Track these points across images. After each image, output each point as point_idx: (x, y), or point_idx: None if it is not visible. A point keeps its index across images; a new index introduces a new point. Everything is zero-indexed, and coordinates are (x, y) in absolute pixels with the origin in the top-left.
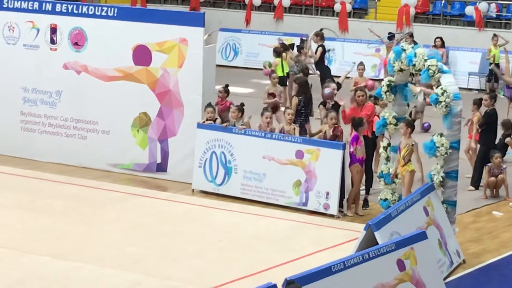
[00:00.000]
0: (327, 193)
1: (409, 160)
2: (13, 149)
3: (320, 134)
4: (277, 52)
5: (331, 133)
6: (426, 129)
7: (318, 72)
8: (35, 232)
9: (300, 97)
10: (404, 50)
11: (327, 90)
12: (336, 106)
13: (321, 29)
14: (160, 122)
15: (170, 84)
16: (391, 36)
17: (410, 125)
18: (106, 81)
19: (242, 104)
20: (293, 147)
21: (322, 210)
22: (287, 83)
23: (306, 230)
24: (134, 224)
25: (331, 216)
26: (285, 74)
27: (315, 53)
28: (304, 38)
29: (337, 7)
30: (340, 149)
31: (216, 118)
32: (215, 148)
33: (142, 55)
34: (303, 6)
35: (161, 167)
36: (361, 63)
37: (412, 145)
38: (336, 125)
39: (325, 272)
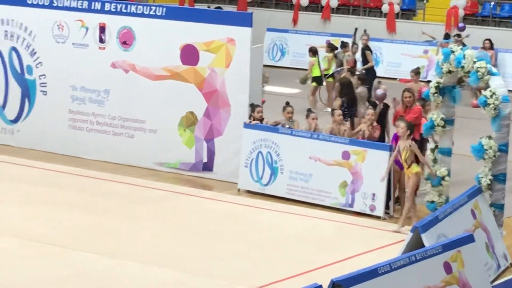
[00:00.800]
0: (373, 195)
1: (412, 162)
2: (61, 147)
3: (358, 133)
4: (313, 52)
5: (368, 132)
6: None
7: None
8: (82, 230)
9: (343, 98)
10: (453, 51)
11: (379, 91)
12: (386, 108)
13: (365, 30)
14: (207, 121)
15: (217, 83)
16: (447, 36)
17: (410, 127)
18: (154, 80)
19: (288, 103)
20: (339, 148)
21: (368, 212)
22: (323, 82)
23: (352, 231)
24: (180, 222)
25: (377, 217)
26: (322, 74)
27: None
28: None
29: (385, 8)
30: (387, 151)
31: (263, 118)
32: (261, 148)
33: (189, 54)
34: (351, 6)
35: (207, 167)
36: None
37: (410, 146)
38: (373, 124)
39: (371, 274)
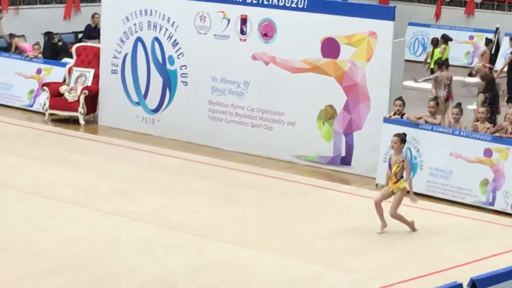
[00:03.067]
0: None
1: (401, 177)
2: (201, 138)
3: (501, 131)
4: (434, 42)
5: (511, 130)
6: None
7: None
8: (220, 220)
9: (487, 94)
10: None
11: None
12: None
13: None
14: (346, 115)
15: (358, 77)
16: None
17: (404, 141)
18: (294, 72)
19: (434, 98)
20: (482, 145)
21: (510, 211)
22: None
23: (492, 230)
24: (318, 216)
25: None
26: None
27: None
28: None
29: None
30: None
31: (404, 113)
32: None
33: (330, 47)
34: (495, 2)
35: (346, 161)
36: None
37: (403, 160)
38: None
39: (511, 274)
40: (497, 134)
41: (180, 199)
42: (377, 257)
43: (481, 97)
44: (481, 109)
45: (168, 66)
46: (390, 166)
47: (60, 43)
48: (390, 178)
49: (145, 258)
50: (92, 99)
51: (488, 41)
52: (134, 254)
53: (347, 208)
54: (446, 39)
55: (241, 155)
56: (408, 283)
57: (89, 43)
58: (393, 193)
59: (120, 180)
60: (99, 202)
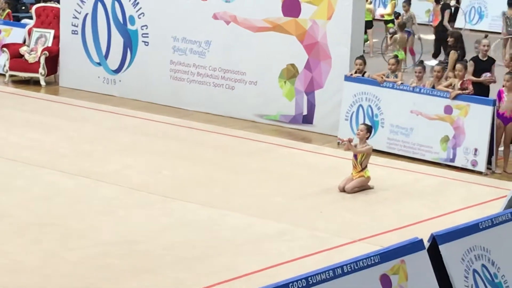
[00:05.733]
0: (476, 150)
1: (366, 166)
2: (163, 98)
3: (449, 87)
4: None
5: (459, 86)
6: None
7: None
8: (184, 180)
9: (459, 52)
10: None
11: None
12: (491, 60)
13: None
14: (308, 74)
15: (319, 36)
16: None
17: (370, 130)
18: (255, 32)
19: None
20: (442, 102)
21: (470, 167)
22: None
23: (453, 187)
24: (281, 174)
25: (479, 173)
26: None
27: None
28: None
29: None
30: (490, 105)
31: (365, 71)
32: (362, 101)
33: (291, 6)
34: None
35: (307, 119)
36: None
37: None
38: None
39: (472, 229)
40: (452, 94)
41: (143, 159)
42: (339, 214)
43: (454, 54)
44: (436, 67)
45: (129, 26)
46: (355, 155)
47: None
48: (355, 167)
49: (108, 218)
50: (52, 60)
51: None
52: (97, 214)
53: (309, 166)
54: None
55: (203, 114)
56: (370, 239)
57: (49, 4)
58: None
59: (82, 141)
60: (62, 163)
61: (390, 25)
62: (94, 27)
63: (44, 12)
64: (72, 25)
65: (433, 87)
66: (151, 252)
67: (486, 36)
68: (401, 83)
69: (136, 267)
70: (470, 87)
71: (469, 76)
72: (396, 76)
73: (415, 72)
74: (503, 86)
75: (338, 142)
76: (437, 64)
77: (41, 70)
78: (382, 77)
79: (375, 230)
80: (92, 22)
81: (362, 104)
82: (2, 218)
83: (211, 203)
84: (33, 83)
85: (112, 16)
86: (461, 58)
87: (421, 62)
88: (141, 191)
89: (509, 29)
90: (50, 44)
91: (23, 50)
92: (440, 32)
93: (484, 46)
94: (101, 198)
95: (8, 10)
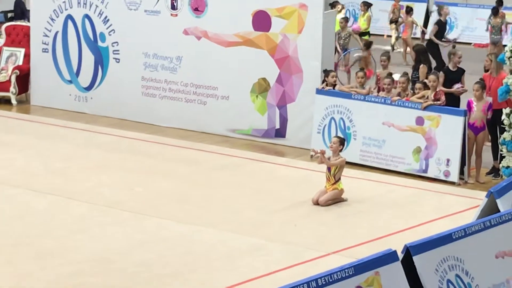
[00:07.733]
0: (448, 160)
1: (339, 179)
2: (135, 114)
3: (422, 99)
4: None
5: (433, 97)
6: None
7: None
8: (157, 196)
9: (426, 65)
10: None
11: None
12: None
13: None
14: (279, 87)
15: (290, 49)
16: None
17: (342, 143)
18: (226, 46)
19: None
20: (413, 113)
21: (443, 177)
22: None
23: (426, 197)
24: (254, 189)
25: (452, 183)
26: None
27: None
28: None
29: None
30: (462, 116)
31: (336, 84)
32: (334, 114)
33: (261, 20)
34: None
35: (280, 133)
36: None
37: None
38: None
39: (445, 239)
40: (424, 104)
41: (116, 176)
42: (313, 227)
43: (424, 68)
44: (401, 79)
45: (100, 43)
46: (329, 168)
47: None
48: (328, 179)
49: (81, 236)
50: (23, 78)
51: (409, 9)
52: (70, 232)
53: (283, 180)
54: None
55: (176, 130)
56: (345, 252)
57: (19, 23)
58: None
59: (55, 159)
60: (34, 182)
61: (366, 37)
62: (64, 45)
63: (14, 31)
64: (43, 43)
65: (399, 95)
66: (125, 269)
67: (454, 47)
68: (398, 99)
69: (111, 285)
70: (443, 98)
71: (440, 87)
72: (364, 89)
73: (384, 84)
74: (474, 96)
75: (312, 155)
76: (401, 76)
77: (12, 89)
78: (371, 92)
79: (349, 243)
80: (63, 39)
81: (334, 117)
82: None
83: (184, 219)
84: (4, 102)
85: (83, 33)
86: (428, 70)
87: (390, 74)
88: (114, 208)
89: (493, 37)
90: (20, 63)
91: None
92: (430, 46)
93: (459, 58)
94: (75, 216)
95: None
